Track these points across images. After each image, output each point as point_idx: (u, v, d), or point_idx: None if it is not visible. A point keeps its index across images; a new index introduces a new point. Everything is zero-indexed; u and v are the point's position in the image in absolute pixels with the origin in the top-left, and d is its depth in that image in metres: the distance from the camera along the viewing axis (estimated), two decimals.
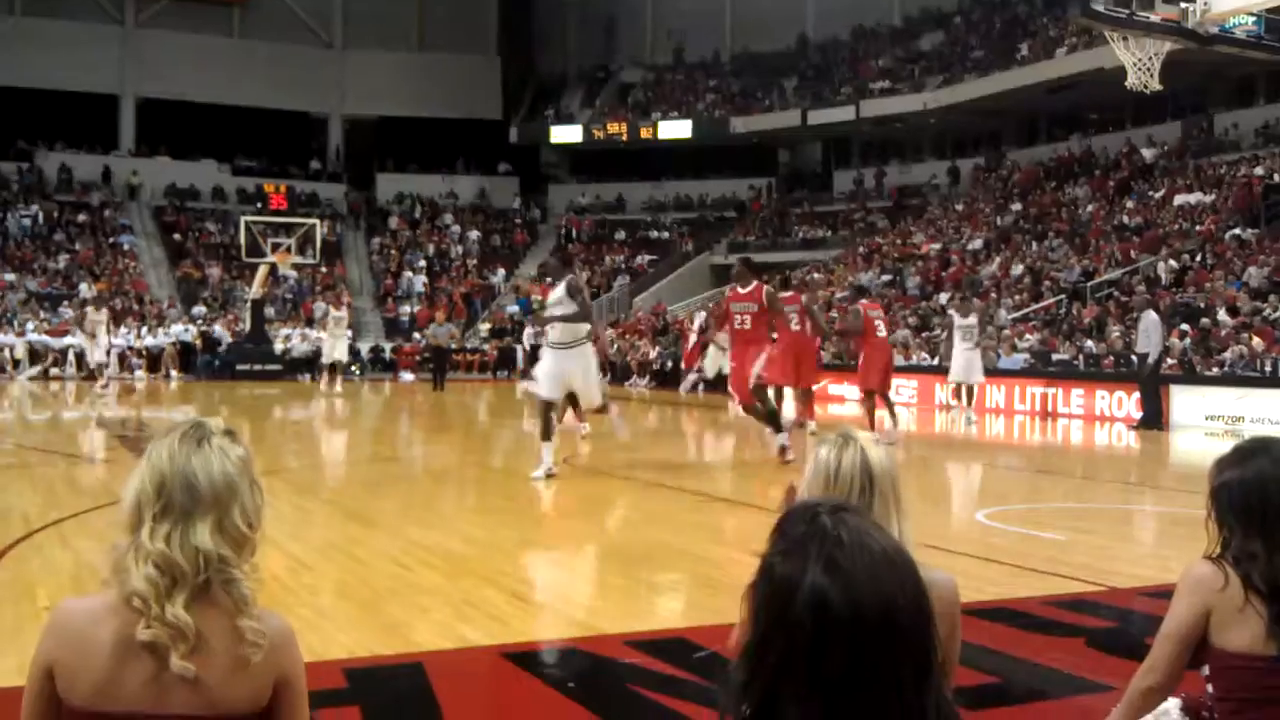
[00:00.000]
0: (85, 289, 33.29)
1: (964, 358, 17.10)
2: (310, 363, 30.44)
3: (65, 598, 2.01)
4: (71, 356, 28.62)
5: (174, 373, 29.27)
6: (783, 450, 10.99)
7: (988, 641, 4.52)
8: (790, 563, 1.43)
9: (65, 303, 31.90)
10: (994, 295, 26.38)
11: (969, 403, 17.70)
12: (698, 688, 3.89)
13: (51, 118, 40.05)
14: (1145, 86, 14.53)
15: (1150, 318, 16.38)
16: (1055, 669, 4.39)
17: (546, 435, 9.78)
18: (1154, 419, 16.41)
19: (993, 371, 20.81)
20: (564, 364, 9.84)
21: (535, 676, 4.22)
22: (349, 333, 23.91)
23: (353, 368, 31.99)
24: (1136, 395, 17.32)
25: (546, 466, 9.70)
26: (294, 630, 2.05)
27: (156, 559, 1.90)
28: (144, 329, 30.79)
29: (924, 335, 25.05)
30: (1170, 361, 17.86)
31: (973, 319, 17.42)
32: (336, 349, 25.03)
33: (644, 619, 5.22)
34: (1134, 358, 17.29)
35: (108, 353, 24.94)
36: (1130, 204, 29.26)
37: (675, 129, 43.04)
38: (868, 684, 1.37)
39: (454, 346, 30.48)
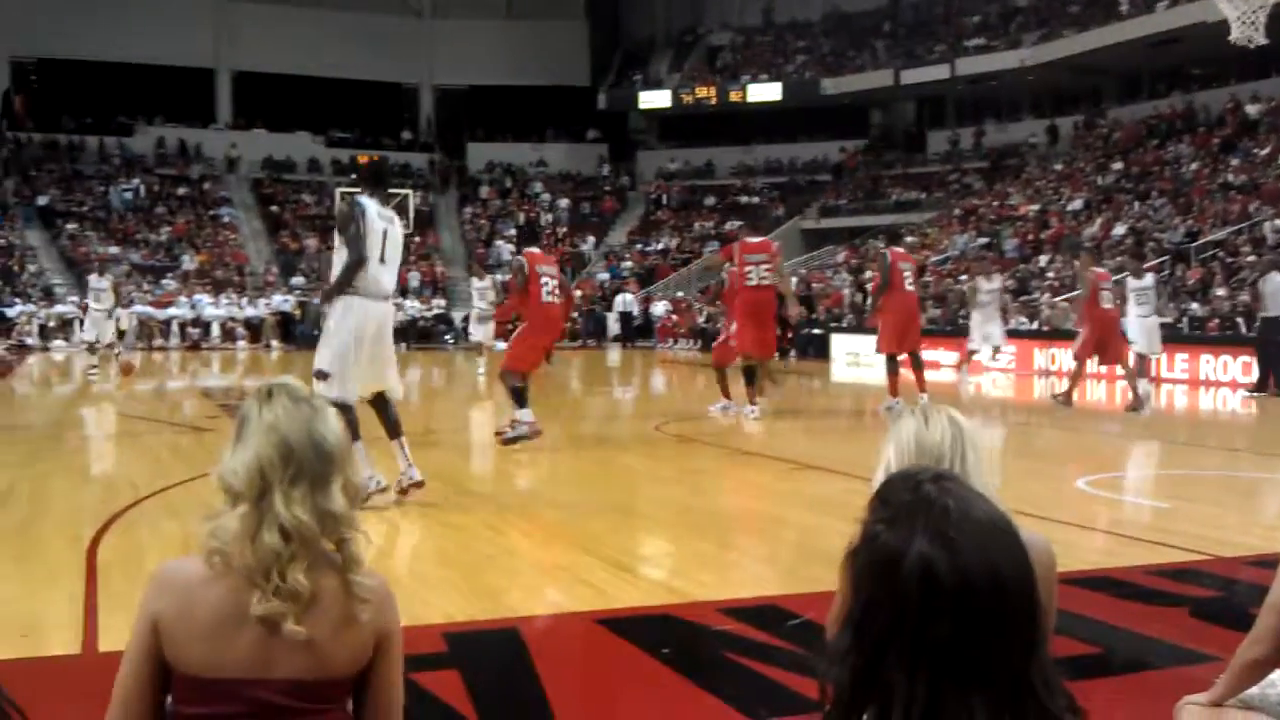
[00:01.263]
0: (187, 260, 34.16)
1: (1141, 326, 14.98)
2: (404, 332, 30.87)
3: (167, 559, 2.04)
4: (175, 327, 29.43)
5: (275, 343, 29.93)
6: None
7: (1089, 611, 4.44)
8: (895, 532, 1.42)
9: (169, 275, 32.76)
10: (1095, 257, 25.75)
11: (1142, 375, 15.21)
12: (791, 655, 3.89)
13: (150, 92, 41.01)
14: (1250, 41, 14.02)
15: (1275, 280, 15.82)
16: (1158, 639, 4.31)
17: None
18: (1267, 383, 15.90)
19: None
20: None
21: (629, 642, 4.24)
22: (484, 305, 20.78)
23: (447, 336, 32.40)
24: (1250, 359, 16.75)
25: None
26: (390, 587, 2.06)
27: (290, 525, 1.88)
28: (244, 300, 31.52)
29: (1022, 299, 24.57)
30: None
31: (1148, 280, 15.24)
32: (482, 326, 21.17)
33: (737, 586, 5.22)
34: (1244, 319, 16.76)
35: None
36: (1235, 162, 28.31)
37: (765, 91, 42.59)
38: (975, 653, 1.36)
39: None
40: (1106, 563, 5.47)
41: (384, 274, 6.80)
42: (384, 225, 6.77)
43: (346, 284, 6.71)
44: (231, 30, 42.58)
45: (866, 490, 2.38)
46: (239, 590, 1.89)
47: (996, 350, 16.74)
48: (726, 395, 12.72)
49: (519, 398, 9.61)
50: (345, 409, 6.34)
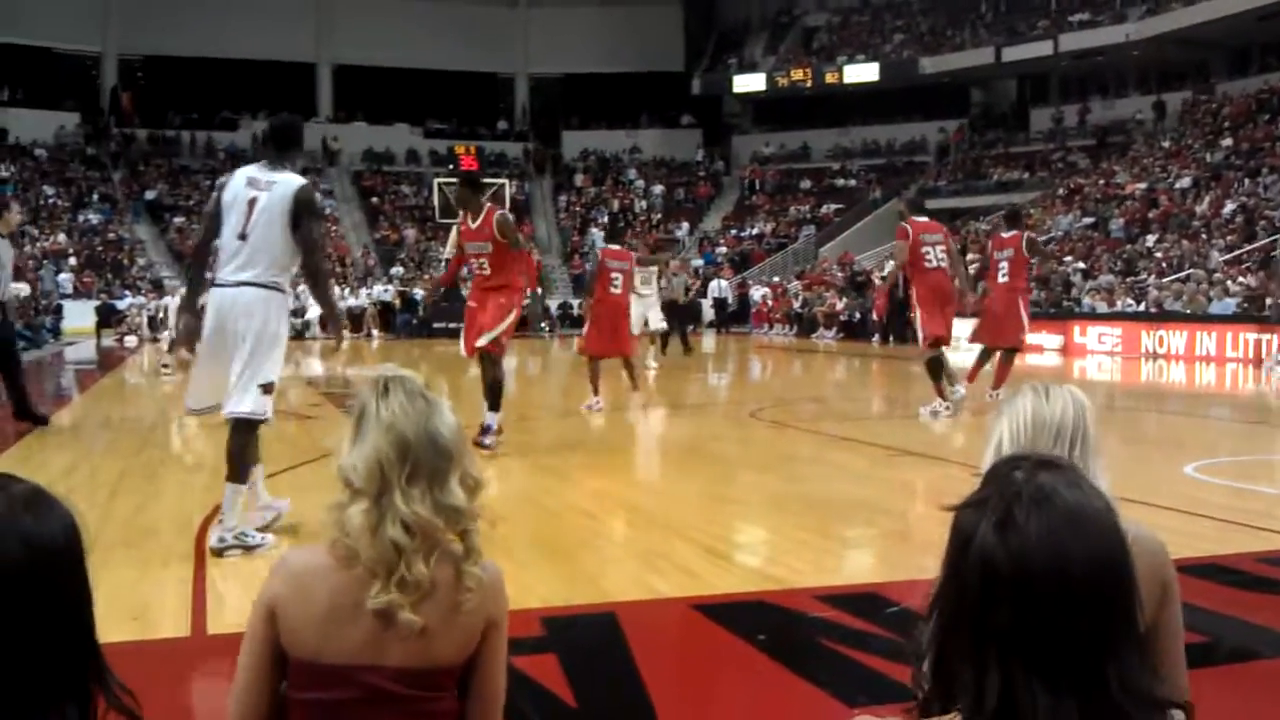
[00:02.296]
0: None
1: None
2: None
3: (289, 547, 2.09)
4: None
5: (375, 332, 30.46)
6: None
7: (1197, 599, 4.31)
8: (971, 516, 1.41)
9: None
10: (1204, 237, 25.03)
11: None
12: (889, 642, 3.85)
13: (253, 87, 42.06)
14: None
15: None
16: (1269, 628, 4.19)
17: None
18: None
19: (1203, 317, 19.82)
20: None
21: (725, 628, 4.25)
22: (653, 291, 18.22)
23: (542, 323, 32.62)
24: None
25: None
26: (502, 574, 2.09)
27: (411, 521, 1.91)
28: (346, 290, 32.12)
29: (1129, 280, 23.97)
30: None
31: None
32: (650, 315, 18.50)
33: (834, 573, 5.20)
34: None
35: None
36: None
37: (861, 72, 42.10)
38: (1037, 645, 1.34)
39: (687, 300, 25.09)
40: (1215, 550, 5.32)
41: (239, 254, 5.36)
42: (251, 194, 5.38)
43: (193, 271, 5.89)
44: (331, 25, 43.40)
45: (966, 477, 2.35)
46: (358, 580, 1.92)
47: None
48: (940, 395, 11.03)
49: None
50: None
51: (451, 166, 40.62)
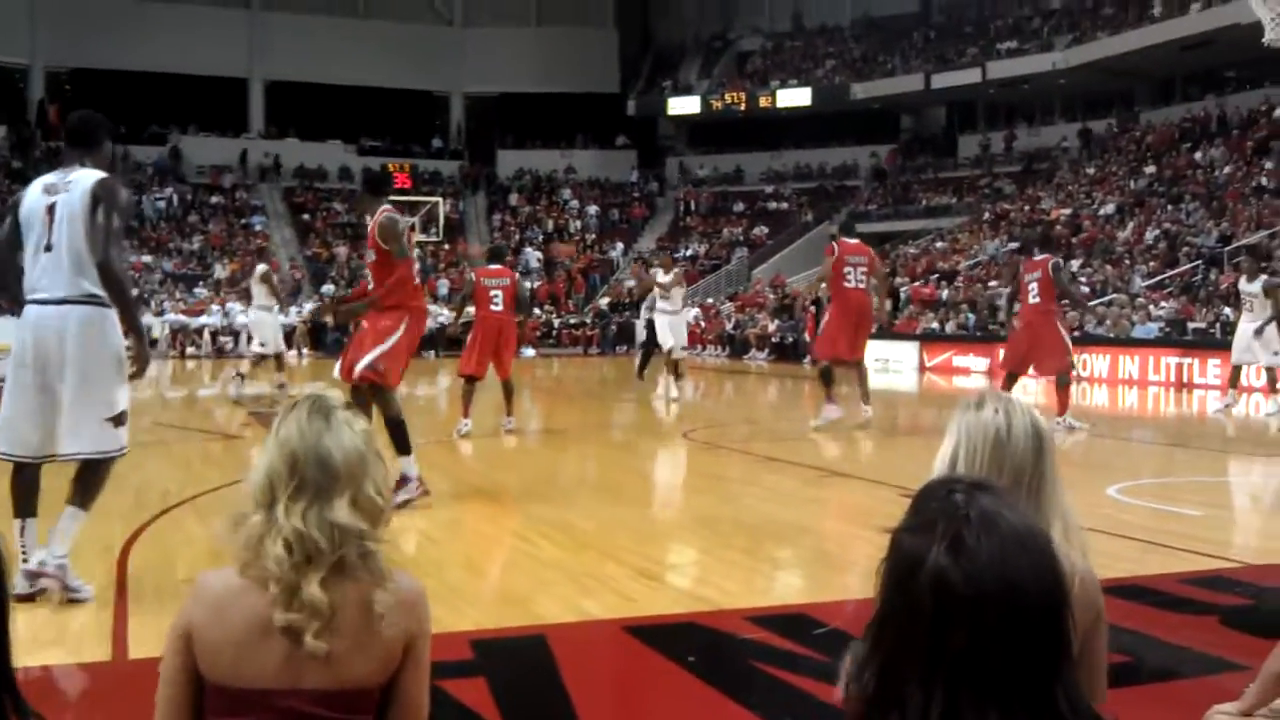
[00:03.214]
0: (219, 269, 34.45)
1: (1242, 333, 14.09)
2: (433, 339, 30.94)
3: (205, 570, 2.06)
4: (207, 335, 29.68)
5: (305, 350, 30.12)
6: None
7: (1120, 619, 4.39)
8: (916, 539, 1.42)
9: (200, 283, 33.04)
10: (1127, 262, 25.59)
11: (1270, 387, 14.29)
12: (818, 663, 3.88)
13: (183, 102, 41.45)
14: None
15: None
16: (1188, 647, 4.28)
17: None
18: None
19: (1126, 341, 20.22)
20: None
21: (656, 650, 4.25)
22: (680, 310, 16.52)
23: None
24: None
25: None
26: (424, 592, 2.07)
27: (291, 537, 1.90)
28: (277, 308, 31.69)
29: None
30: None
31: (1256, 285, 13.91)
32: (674, 333, 16.08)
33: (764, 594, 5.23)
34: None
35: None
36: (1269, 165, 28.04)
37: (794, 97, 42.57)
38: (990, 665, 1.35)
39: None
40: (1137, 570, 5.43)
41: (47, 268, 4.70)
42: (48, 201, 4.74)
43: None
44: (264, 40, 42.99)
45: (894, 498, 2.37)
46: (267, 601, 1.91)
47: (1271, 374, 14.23)
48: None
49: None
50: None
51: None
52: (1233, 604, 4.91)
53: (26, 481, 4.79)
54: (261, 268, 17.02)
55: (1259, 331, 13.66)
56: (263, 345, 16.31)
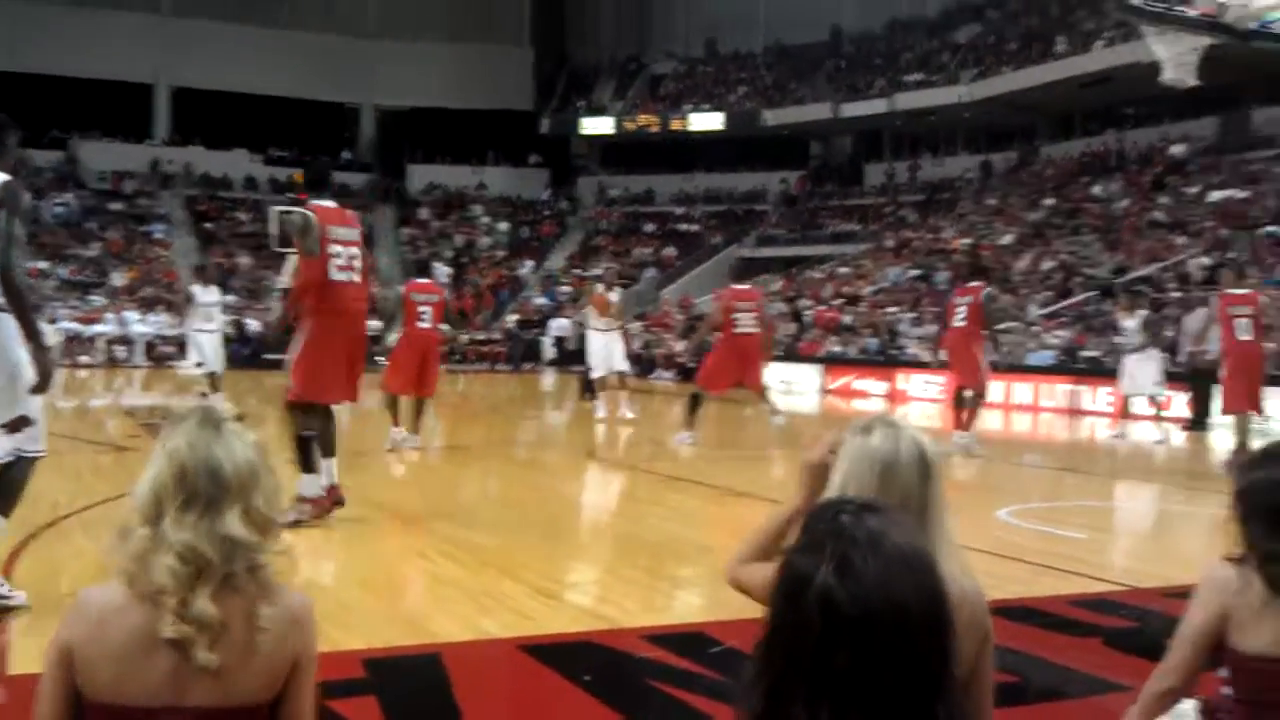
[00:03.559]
0: (116, 277, 33.63)
1: (1128, 366, 14.58)
2: None
3: (87, 586, 2.01)
4: (101, 344, 28.94)
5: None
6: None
7: (1008, 640, 4.48)
8: (805, 560, 1.43)
9: (95, 290, 32.21)
10: (1024, 291, 26.20)
11: (1156, 417, 14.75)
12: (714, 682, 3.90)
13: (86, 107, 40.43)
14: (1181, 83, 14.35)
15: (1202, 313, 16.02)
16: (1074, 668, 4.37)
17: None
18: (1202, 419, 15.98)
19: (1021, 367, 20.67)
20: None
21: (552, 669, 4.23)
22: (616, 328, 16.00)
23: (379, 357, 32.09)
24: (1187, 396, 16.98)
25: None
26: (313, 608, 2.04)
27: (181, 550, 1.87)
28: (174, 317, 31.06)
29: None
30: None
31: (1134, 321, 14.56)
32: (613, 354, 15.97)
33: (663, 613, 5.23)
34: (1169, 355, 16.95)
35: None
36: (1163, 200, 28.99)
37: (706, 121, 43.00)
38: (874, 687, 1.37)
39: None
40: (1025, 592, 5.54)
41: None
42: None
43: None
44: (172, 46, 42.18)
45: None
46: (152, 616, 1.87)
47: (1154, 401, 14.83)
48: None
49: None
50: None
51: (291, 195, 39.77)
52: (1117, 626, 5.04)
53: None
54: (189, 291, 16.19)
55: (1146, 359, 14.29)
56: (200, 365, 15.58)
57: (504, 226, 42.91)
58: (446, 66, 44.86)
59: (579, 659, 4.32)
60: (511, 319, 36.42)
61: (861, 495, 2.21)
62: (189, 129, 42.65)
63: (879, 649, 1.36)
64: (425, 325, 11.53)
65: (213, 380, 15.23)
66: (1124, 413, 15.14)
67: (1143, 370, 14.39)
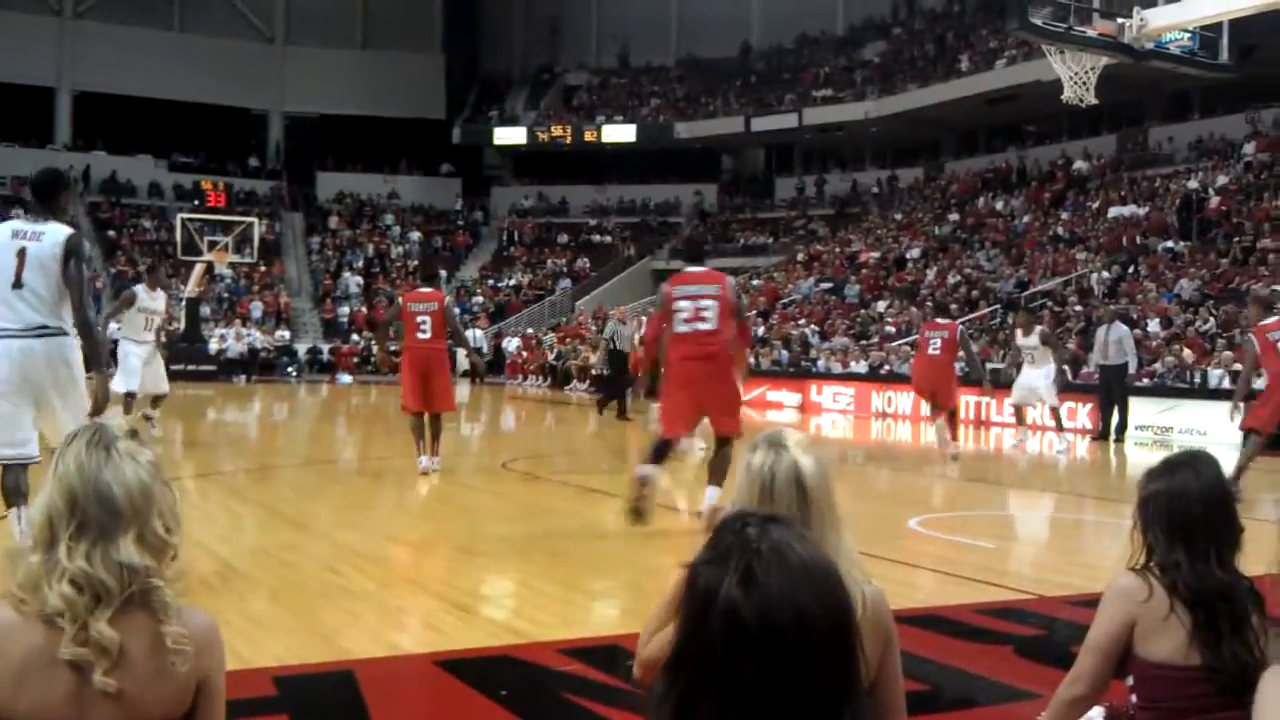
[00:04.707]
0: None
1: (1027, 381, 14.86)
2: (246, 364, 30.06)
3: None
4: None
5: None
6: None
7: (917, 649, 4.55)
8: (710, 573, 1.43)
9: None
10: (930, 304, 26.66)
11: (1057, 428, 15.26)
12: (631, 696, 3.89)
13: None
14: (1081, 100, 14.75)
15: (1121, 328, 16.50)
16: (984, 676, 4.44)
17: None
18: (1110, 429, 16.34)
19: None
20: None
21: (468, 685, 4.19)
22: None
23: (290, 369, 31.66)
24: (1090, 406, 17.44)
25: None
26: (218, 627, 2.01)
27: (77, 577, 1.83)
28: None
29: (862, 344, 25.26)
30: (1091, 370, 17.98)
31: (1033, 338, 14.92)
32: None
33: (579, 626, 5.21)
34: (1070, 367, 17.39)
35: None
36: (1064, 216, 29.73)
37: (619, 133, 43.13)
38: (780, 698, 1.37)
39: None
40: (935, 601, 5.63)
41: (16, 302, 5.48)
42: (20, 245, 5.53)
43: None
44: (74, 49, 41.19)
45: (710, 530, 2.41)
46: (51, 636, 1.83)
47: (1055, 411, 15.21)
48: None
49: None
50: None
51: (197, 202, 39.04)
52: (1025, 634, 5.14)
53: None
54: (130, 292, 13.57)
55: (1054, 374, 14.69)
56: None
57: (416, 236, 42.56)
58: (357, 74, 44.41)
59: (495, 674, 4.29)
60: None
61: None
62: (91, 134, 41.63)
63: (784, 660, 1.37)
64: (425, 337, 10.65)
65: (128, 403, 12.88)
66: (1021, 421, 15.52)
67: (1037, 382, 14.75)
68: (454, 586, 5.89)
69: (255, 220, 32.84)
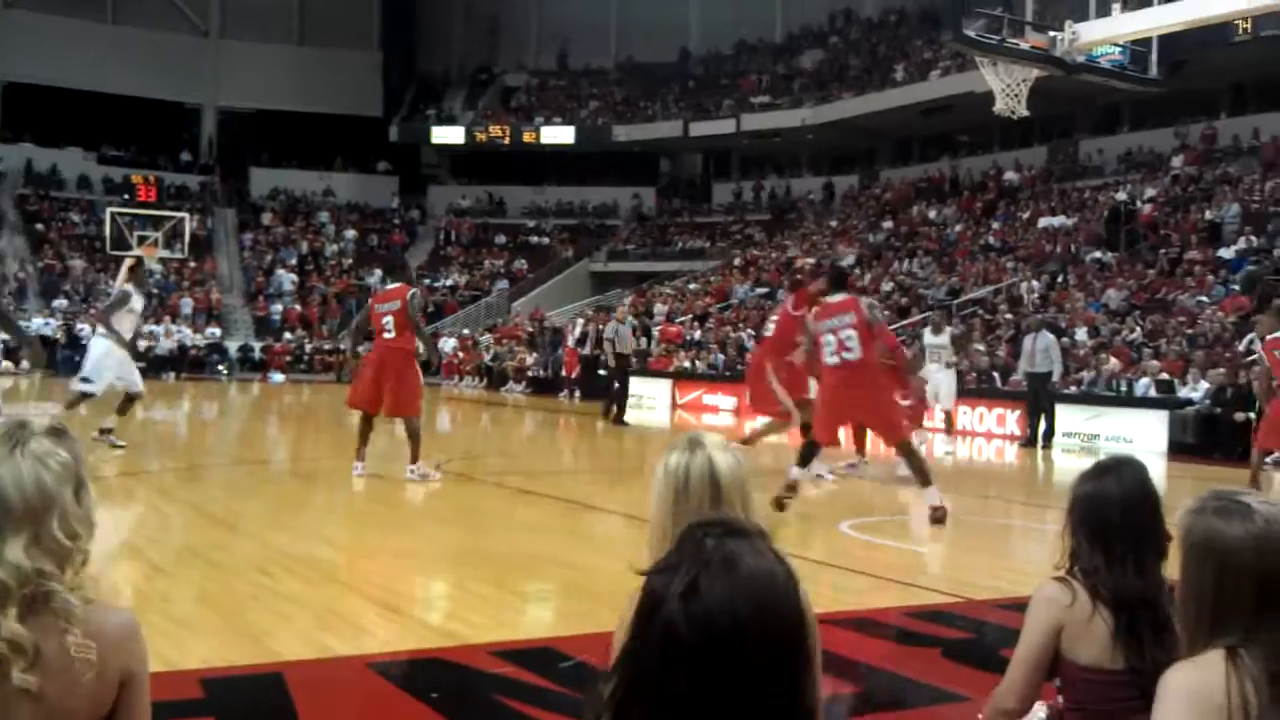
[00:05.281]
0: None
1: (933, 380, 14.90)
2: (175, 361, 29.60)
3: None
4: None
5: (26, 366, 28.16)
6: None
7: (848, 652, 4.60)
8: (659, 581, 1.43)
9: None
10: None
11: (947, 429, 15.71)
12: (563, 698, 3.89)
13: None
14: (1013, 112, 14.95)
15: (1048, 337, 16.78)
16: (913, 679, 4.49)
17: None
18: (1038, 436, 16.62)
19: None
20: None
21: (399, 687, 4.17)
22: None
23: (220, 366, 31.22)
24: (1006, 411, 17.73)
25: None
26: (138, 624, 1.98)
27: None
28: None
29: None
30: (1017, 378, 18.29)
31: (944, 338, 15.20)
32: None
33: (512, 628, 5.20)
34: (1000, 375, 17.69)
35: None
36: (995, 225, 30.18)
37: (558, 134, 43.06)
38: (714, 711, 1.36)
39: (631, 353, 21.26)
40: (865, 604, 5.69)
41: None
42: None
43: None
44: (5, 39, 40.22)
45: (644, 531, 2.42)
46: None
47: (947, 416, 15.62)
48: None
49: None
50: None
51: (127, 196, 38.34)
52: (953, 637, 5.21)
53: None
54: (124, 291, 12.92)
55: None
56: (87, 382, 11.95)
57: (351, 234, 42.17)
58: (292, 69, 43.89)
59: (425, 676, 4.27)
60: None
61: (662, 518, 2.33)
62: (20, 125, 40.73)
63: (718, 674, 1.36)
64: (388, 336, 10.20)
65: (124, 405, 12.19)
66: (951, 427, 15.89)
67: (940, 383, 14.97)
68: (386, 588, 5.84)
69: (187, 216, 32.39)
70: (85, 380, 11.73)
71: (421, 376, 10.52)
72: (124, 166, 41.29)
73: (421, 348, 10.71)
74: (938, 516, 8.30)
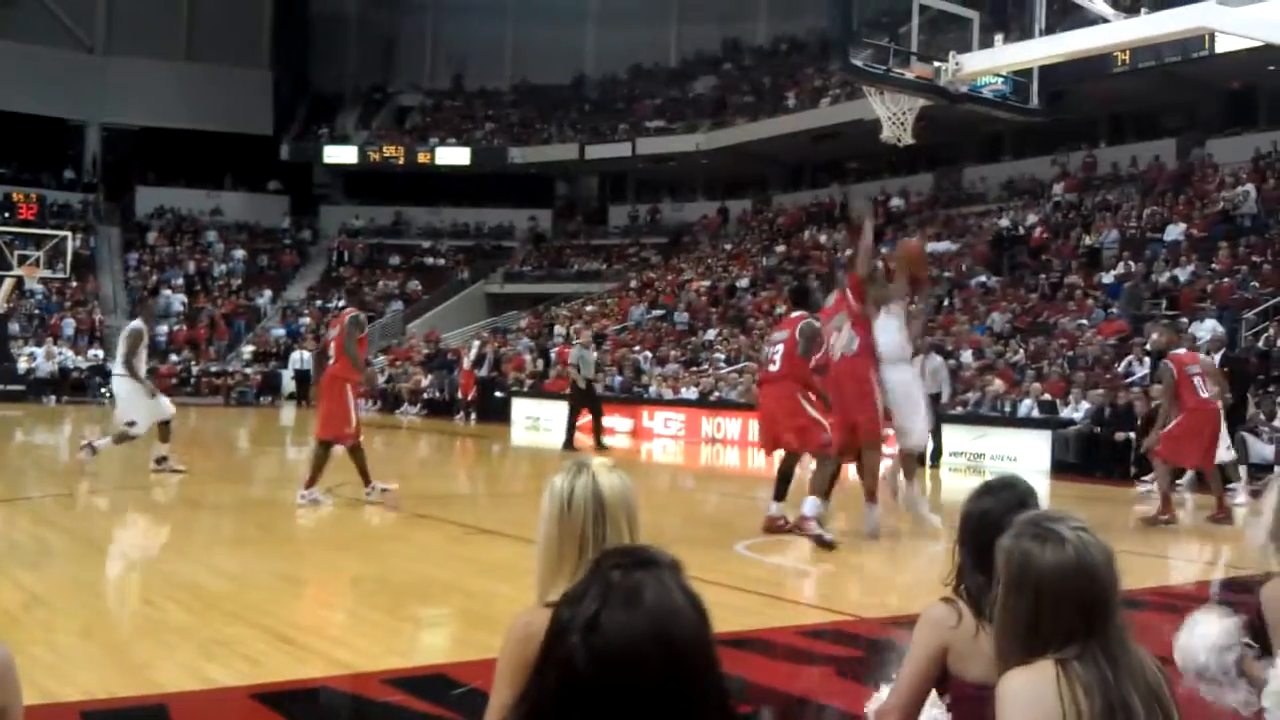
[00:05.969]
0: None
1: None
2: (56, 384, 28.71)
3: None
4: None
5: None
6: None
7: (741, 671, 4.64)
8: (566, 612, 1.42)
9: None
10: (758, 333, 27.27)
11: None
12: None
13: None
14: (898, 140, 15.26)
15: (937, 359, 17.10)
16: (806, 698, 4.55)
17: None
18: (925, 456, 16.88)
19: (755, 406, 21.44)
20: None
21: (285, 718, 4.09)
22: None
23: (103, 389, 30.32)
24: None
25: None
26: (12, 657, 1.94)
27: None
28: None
29: (693, 370, 25.64)
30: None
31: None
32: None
33: (404, 655, 5.14)
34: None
35: None
36: (883, 250, 30.75)
37: (453, 155, 42.83)
38: None
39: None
40: (758, 624, 5.74)
41: None
42: None
43: None
44: None
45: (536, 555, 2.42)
46: None
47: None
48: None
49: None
50: None
51: (7, 214, 37.07)
52: (846, 655, 5.29)
53: None
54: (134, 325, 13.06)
55: None
56: (132, 424, 12.34)
57: (240, 254, 41.35)
58: (179, 86, 42.91)
59: (315, 706, 4.21)
60: (247, 350, 35.10)
61: (547, 541, 2.35)
62: None
63: (614, 708, 1.35)
64: (329, 362, 10.24)
65: (163, 431, 12.38)
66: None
67: None
68: (275, 616, 5.73)
69: (69, 234, 31.41)
70: (130, 424, 12.24)
71: (350, 401, 10.29)
72: (4, 184, 39.91)
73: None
74: (772, 527, 8.85)
